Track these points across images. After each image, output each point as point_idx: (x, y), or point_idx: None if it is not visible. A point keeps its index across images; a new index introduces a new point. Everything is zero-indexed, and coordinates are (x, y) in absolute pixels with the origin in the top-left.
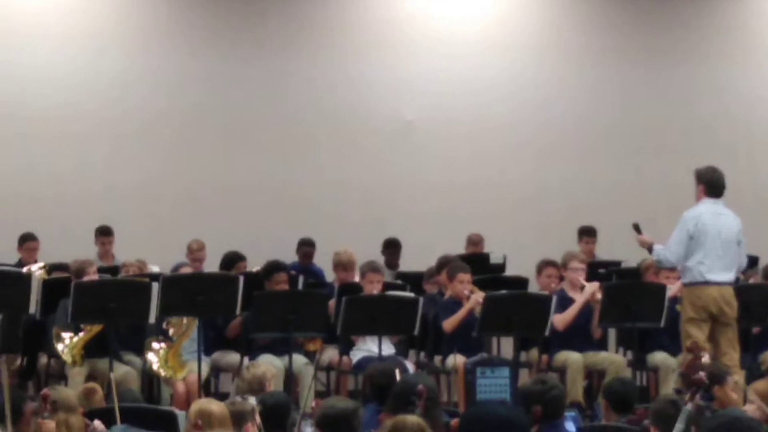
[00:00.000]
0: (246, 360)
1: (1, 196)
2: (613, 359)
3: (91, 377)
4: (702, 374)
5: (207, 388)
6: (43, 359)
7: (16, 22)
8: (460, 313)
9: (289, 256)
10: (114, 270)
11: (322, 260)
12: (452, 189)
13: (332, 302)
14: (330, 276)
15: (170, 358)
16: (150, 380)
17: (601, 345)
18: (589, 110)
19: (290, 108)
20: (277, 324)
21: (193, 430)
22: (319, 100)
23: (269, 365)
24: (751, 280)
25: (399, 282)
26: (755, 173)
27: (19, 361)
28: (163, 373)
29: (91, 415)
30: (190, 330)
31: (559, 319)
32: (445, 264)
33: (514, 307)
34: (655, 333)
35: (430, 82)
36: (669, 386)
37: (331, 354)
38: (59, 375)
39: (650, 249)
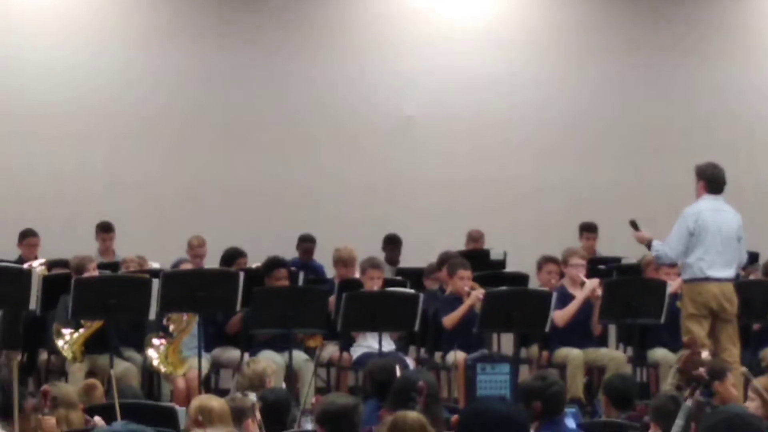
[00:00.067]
0: (246, 356)
1: (2, 193)
2: (614, 355)
3: (91, 373)
4: (702, 370)
5: (207, 384)
6: (44, 355)
7: (16, 19)
8: (461, 310)
9: (290, 253)
10: (114, 266)
11: (323, 256)
12: (452, 185)
13: (332, 298)
14: (330, 272)
15: (170, 354)
16: (150, 376)
17: (602, 341)
18: (590, 107)
19: (290, 105)
20: (278, 320)
21: (194, 426)
22: (319, 97)
23: (269, 361)
24: (752, 277)
25: (399, 278)
26: (755, 170)
27: (19, 357)
28: (163, 369)
29: (91, 411)
30: (190, 326)
31: (560, 316)
32: (445, 260)
33: (514, 303)
34: (655, 329)
35: (430, 79)
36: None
37: (331, 350)
38: (59, 371)
39: (648, 245)
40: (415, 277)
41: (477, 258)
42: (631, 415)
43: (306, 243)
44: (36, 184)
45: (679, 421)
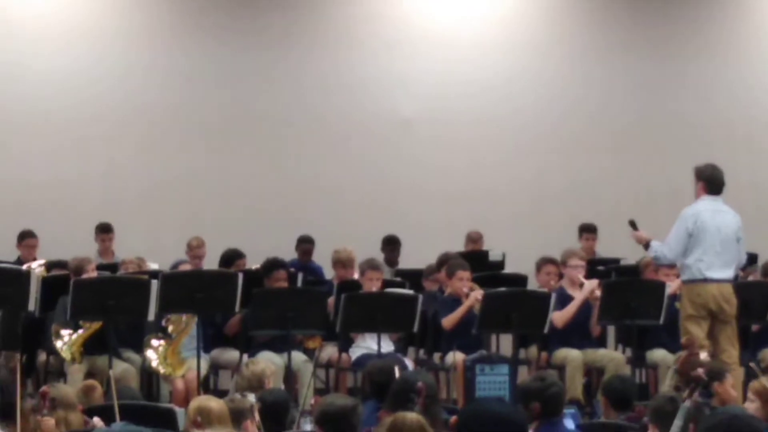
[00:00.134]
0: (245, 357)
1: (2, 195)
2: (613, 356)
3: (90, 374)
4: (701, 370)
5: (206, 385)
6: (42, 356)
7: (16, 25)
8: (460, 311)
9: (288, 254)
10: (113, 267)
11: (322, 258)
12: (452, 186)
13: (331, 299)
14: (329, 273)
15: (169, 355)
16: (149, 377)
17: (601, 342)
18: (590, 109)
19: (289, 107)
20: (277, 321)
21: (193, 427)
22: (317, 98)
23: (268, 362)
24: (751, 278)
25: (398, 279)
26: (755, 171)
27: (18, 359)
28: (162, 370)
29: (90, 412)
30: (189, 327)
31: (559, 317)
32: (445, 261)
33: (513, 304)
34: (654, 330)
35: (428, 82)
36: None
37: (330, 351)
38: (58, 372)
39: (647, 245)
40: (414, 278)
41: (476, 259)
42: (630, 416)
43: (305, 244)
44: (36, 186)
45: (677, 422)
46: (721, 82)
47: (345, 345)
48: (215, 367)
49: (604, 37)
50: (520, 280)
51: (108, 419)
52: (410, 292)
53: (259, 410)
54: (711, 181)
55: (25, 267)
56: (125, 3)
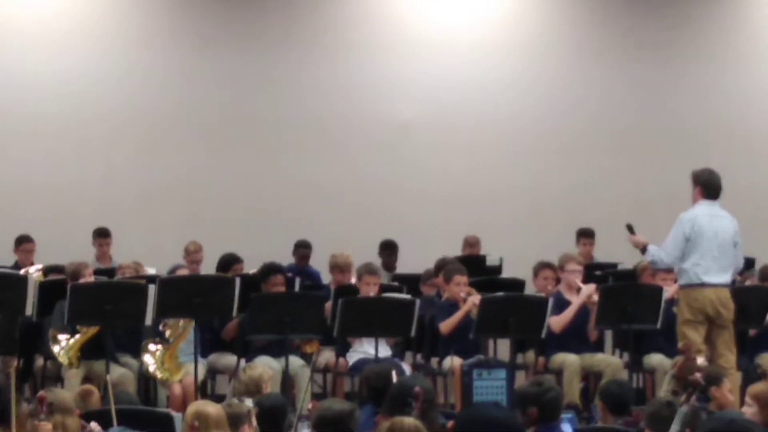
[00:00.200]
0: (243, 362)
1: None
2: (610, 361)
3: (87, 379)
4: (698, 375)
5: (203, 390)
6: (40, 361)
7: (15, 29)
8: (457, 315)
9: (286, 259)
10: (111, 272)
11: (319, 262)
12: (449, 190)
13: (329, 304)
14: (326, 278)
15: (167, 360)
16: (146, 382)
17: (598, 347)
18: (587, 114)
19: (287, 111)
20: (274, 326)
21: None
22: (315, 101)
23: (266, 367)
24: (748, 282)
25: (395, 284)
26: (752, 176)
27: (15, 363)
28: (159, 375)
29: (87, 417)
30: (186, 332)
31: (556, 321)
32: (442, 266)
33: (510, 309)
34: (651, 335)
35: (426, 86)
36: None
37: (327, 356)
38: (55, 377)
39: (644, 250)
40: (411, 282)
41: (473, 264)
42: (628, 421)
43: (302, 249)
44: (33, 190)
45: (675, 426)
46: (720, 84)
47: (342, 350)
48: (213, 372)
49: (603, 39)
50: (517, 284)
51: (105, 424)
52: (407, 296)
53: (256, 415)
54: (708, 186)
55: (22, 272)
56: (125, 5)
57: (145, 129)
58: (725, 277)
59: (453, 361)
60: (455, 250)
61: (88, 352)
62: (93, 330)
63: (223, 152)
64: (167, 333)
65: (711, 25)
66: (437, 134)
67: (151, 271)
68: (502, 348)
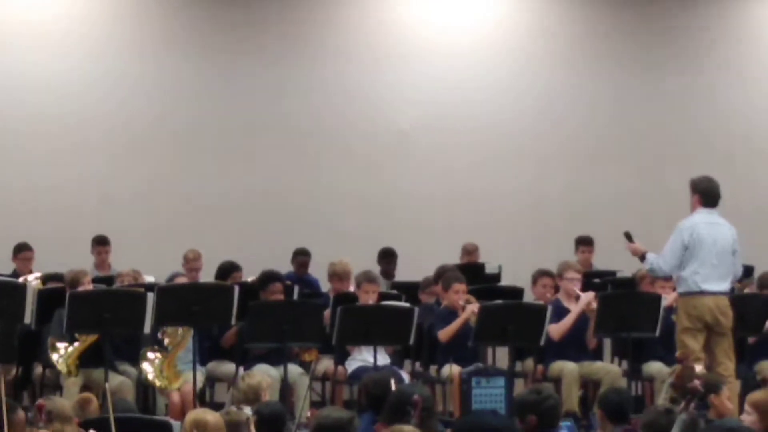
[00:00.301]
0: (241, 370)
1: None
2: (609, 369)
3: (86, 387)
4: (697, 382)
5: (202, 398)
6: (38, 369)
7: (13, 33)
8: (456, 323)
9: (285, 266)
10: (109, 280)
11: (318, 270)
12: (448, 198)
13: (327, 312)
14: (325, 286)
15: (165, 368)
16: (145, 390)
17: (597, 355)
18: (586, 120)
19: (286, 119)
20: (273, 334)
21: None
22: (315, 110)
23: (264, 375)
24: (747, 290)
25: (394, 292)
26: (751, 182)
27: (14, 371)
28: (158, 383)
29: (86, 425)
30: (185, 340)
31: (555, 329)
32: (441, 274)
33: (509, 317)
34: (650, 343)
35: (427, 91)
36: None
37: (326, 364)
38: (54, 385)
39: (642, 257)
40: (410, 290)
41: (472, 271)
42: (627, 429)
43: (301, 257)
44: (31, 198)
45: None
46: (721, 93)
47: (341, 358)
48: (211, 380)
49: (600, 46)
50: (516, 292)
51: None
52: (406, 304)
53: (255, 423)
54: (707, 194)
55: (21, 279)
56: (125, 10)
57: (145, 137)
58: (724, 285)
59: (452, 369)
60: (454, 258)
61: (86, 360)
62: (92, 338)
63: (221, 160)
64: (166, 341)
65: (708, 35)
66: (436, 141)
67: (149, 279)
68: (501, 356)
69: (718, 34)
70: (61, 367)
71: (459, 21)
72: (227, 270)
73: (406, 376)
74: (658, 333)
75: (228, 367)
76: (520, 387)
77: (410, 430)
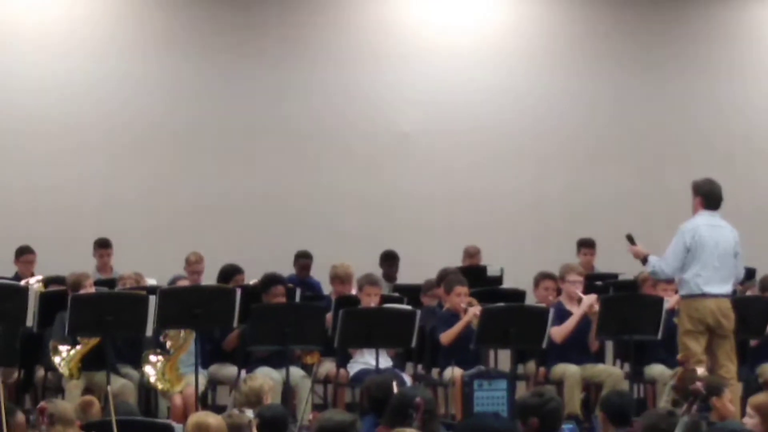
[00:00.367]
0: (243, 373)
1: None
2: (611, 372)
3: (88, 390)
4: (699, 384)
5: (204, 400)
6: (40, 372)
7: (13, 34)
8: (458, 326)
9: (287, 269)
10: (111, 283)
11: (320, 273)
12: (450, 200)
13: (329, 315)
14: (327, 289)
15: (167, 370)
16: (147, 393)
17: (599, 357)
18: (587, 121)
19: (288, 120)
20: (275, 337)
21: None
22: (315, 112)
23: (266, 378)
24: (749, 292)
25: (396, 295)
26: (753, 184)
27: (16, 374)
28: (160, 386)
29: (88, 428)
30: (187, 343)
31: (557, 332)
32: (443, 277)
33: (511, 319)
34: (652, 345)
35: (427, 93)
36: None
37: (328, 367)
38: (56, 388)
39: (644, 260)
40: (412, 293)
41: (474, 274)
42: None
43: (303, 259)
44: (32, 199)
45: None
46: (721, 94)
47: (343, 360)
48: (213, 383)
49: (600, 47)
50: (518, 295)
51: None
52: (408, 307)
53: (257, 426)
54: (708, 196)
55: (23, 283)
56: (126, 11)
57: (147, 139)
58: (726, 288)
59: (454, 372)
60: (454, 258)
61: (88, 363)
62: (94, 341)
63: (223, 163)
64: (168, 344)
65: (708, 37)
66: (438, 144)
67: (151, 281)
68: (503, 358)
69: (718, 35)
70: (63, 370)
71: (459, 22)
72: (229, 273)
73: (408, 378)
74: (660, 335)
75: (230, 370)
76: (522, 390)
77: None
